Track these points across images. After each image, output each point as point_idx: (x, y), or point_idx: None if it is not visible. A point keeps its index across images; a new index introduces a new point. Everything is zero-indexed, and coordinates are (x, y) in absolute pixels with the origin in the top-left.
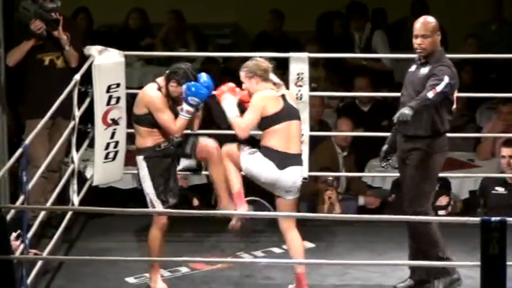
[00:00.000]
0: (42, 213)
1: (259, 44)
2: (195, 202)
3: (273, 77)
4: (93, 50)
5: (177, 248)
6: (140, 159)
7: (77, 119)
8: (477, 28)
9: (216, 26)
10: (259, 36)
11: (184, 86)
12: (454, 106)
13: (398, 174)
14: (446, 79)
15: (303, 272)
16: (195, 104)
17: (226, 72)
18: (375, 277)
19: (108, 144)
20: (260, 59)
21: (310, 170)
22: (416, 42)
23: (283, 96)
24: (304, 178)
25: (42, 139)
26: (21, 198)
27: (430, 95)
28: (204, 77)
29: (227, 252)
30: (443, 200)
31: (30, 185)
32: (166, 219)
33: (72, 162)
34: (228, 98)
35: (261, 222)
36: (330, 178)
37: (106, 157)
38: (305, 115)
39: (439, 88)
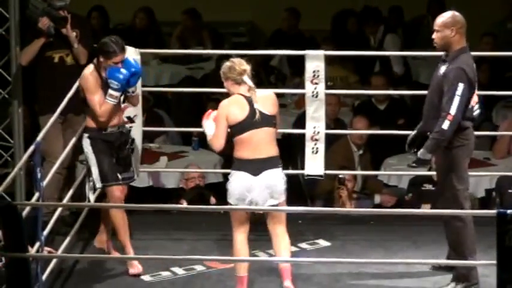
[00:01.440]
0: (58, 211)
1: (275, 42)
2: (212, 200)
3: (247, 79)
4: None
5: (193, 246)
6: (85, 137)
7: None
8: (493, 26)
9: (232, 24)
10: (275, 35)
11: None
12: (476, 100)
13: (415, 173)
14: (460, 86)
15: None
16: (116, 88)
17: None
18: (390, 276)
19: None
20: (237, 60)
21: (326, 168)
22: (432, 36)
23: (251, 101)
24: (319, 176)
25: (57, 134)
26: (36, 195)
27: (446, 125)
28: (131, 60)
29: None
30: None
31: (45, 181)
32: (120, 192)
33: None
34: (205, 123)
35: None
36: (342, 176)
37: None
38: (321, 113)
39: (453, 109)
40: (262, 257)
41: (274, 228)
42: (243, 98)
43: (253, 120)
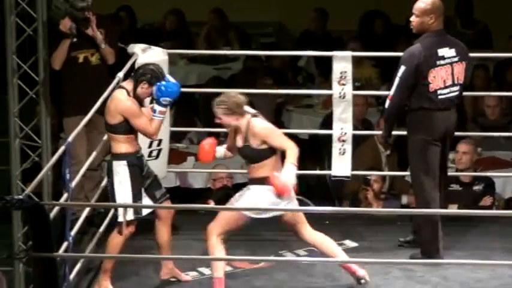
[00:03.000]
0: (85, 212)
1: (302, 43)
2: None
3: (248, 109)
4: (136, 48)
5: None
6: (122, 164)
7: None
8: None
9: (259, 25)
10: (303, 35)
11: (155, 87)
12: (440, 85)
13: None
14: (402, 68)
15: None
16: (167, 104)
17: (269, 71)
18: (418, 276)
19: (151, 143)
20: (234, 93)
21: (353, 169)
22: (410, 19)
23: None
24: (346, 177)
25: (80, 137)
26: (65, 196)
27: (386, 104)
28: (170, 78)
29: (270, 250)
30: (487, 200)
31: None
32: (134, 228)
33: None
34: (285, 178)
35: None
36: (368, 177)
37: (149, 155)
38: (348, 114)
39: (392, 90)
40: (289, 257)
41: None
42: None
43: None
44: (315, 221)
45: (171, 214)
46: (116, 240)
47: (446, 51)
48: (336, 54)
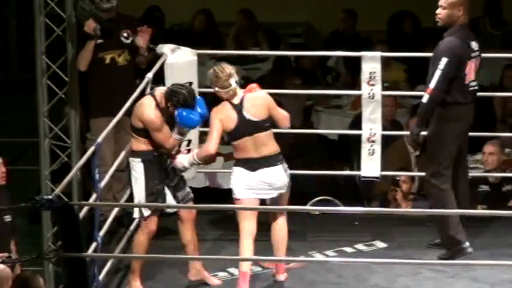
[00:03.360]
0: (114, 212)
1: (332, 43)
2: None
3: (232, 81)
4: (165, 49)
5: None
6: (137, 161)
7: None
8: None
9: (289, 25)
10: (332, 36)
11: (176, 112)
12: (470, 77)
13: (470, 174)
14: (443, 60)
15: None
16: (184, 132)
17: (298, 72)
18: (447, 277)
19: (180, 143)
20: (222, 65)
21: (383, 169)
22: (436, 12)
23: (239, 110)
24: (375, 177)
25: (108, 138)
26: (94, 196)
27: (425, 99)
28: (200, 106)
29: (299, 251)
30: None
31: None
32: (155, 226)
33: None
34: (177, 160)
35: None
36: (397, 178)
37: None
38: (377, 115)
39: (432, 83)
40: (318, 257)
41: (276, 218)
42: (230, 106)
43: (242, 130)
44: (345, 221)
45: (193, 216)
46: (139, 239)
47: (474, 45)
48: (365, 55)
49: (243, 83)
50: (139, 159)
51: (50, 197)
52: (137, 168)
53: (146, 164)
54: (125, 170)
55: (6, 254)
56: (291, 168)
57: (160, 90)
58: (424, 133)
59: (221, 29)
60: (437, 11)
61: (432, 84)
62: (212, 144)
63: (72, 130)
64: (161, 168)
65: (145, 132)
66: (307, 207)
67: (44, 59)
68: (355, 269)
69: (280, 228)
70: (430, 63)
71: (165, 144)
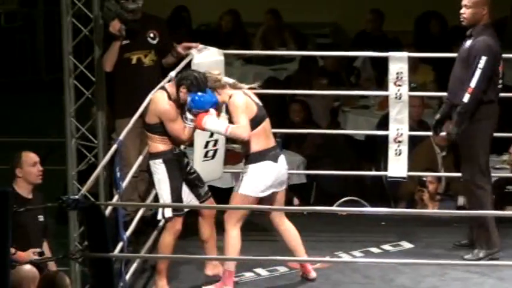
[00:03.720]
0: (140, 212)
1: (359, 44)
2: (295, 201)
3: (227, 79)
4: (192, 49)
5: (276, 247)
6: (158, 162)
7: None
8: None
9: (316, 25)
10: (359, 36)
11: (189, 97)
12: (500, 75)
13: (498, 175)
14: (483, 59)
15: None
16: (197, 114)
17: (325, 72)
18: (474, 277)
19: (207, 143)
20: (206, 72)
21: (409, 170)
22: (460, 11)
23: (250, 96)
24: (402, 178)
25: (133, 138)
26: (116, 196)
27: (466, 98)
28: (209, 92)
29: (326, 251)
30: None
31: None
32: (181, 226)
33: None
34: (209, 119)
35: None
36: (424, 178)
37: (205, 156)
38: (404, 115)
39: (473, 82)
40: (345, 258)
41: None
42: (242, 92)
43: (261, 113)
44: (371, 222)
45: (214, 212)
46: (164, 240)
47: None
48: (392, 55)
49: (271, 84)
50: (160, 160)
51: (76, 197)
52: (159, 170)
53: (167, 164)
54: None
55: (38, 250)
56: (318, 168)
57: (169, 83)
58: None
59: (248, 30)
60: (462, 11)
61: (473, 83)
62: (247, 129)
63: (99, 130)
64: (181, 166)
65: (161, 128)
66: (334, 208)
67: (71, 59)
68: (381, 269)
69: (290, 228)
70: (458, 61)
71: (181, 135)
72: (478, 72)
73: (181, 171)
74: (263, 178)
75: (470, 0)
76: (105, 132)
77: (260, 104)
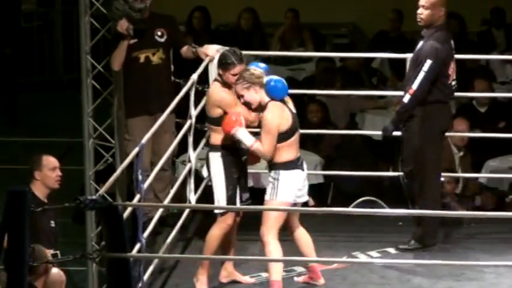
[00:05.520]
0: (159, 212)
1: (377, 44)
2: (311, 202)
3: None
4: (211, 49)
5: (293, 247)
6: (216, 156)
7: (194, 118)
8: None
9: (334, 26)
10: (377, 36)
11: (264, 87)
12: (452, 76)
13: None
14: (428, 62)
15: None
16: None
17: (343, 72)
18: (491, 278)
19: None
20: (251, 68)
21: None
22: (417, 12)
23: (287, 106)
24: None
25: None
26: (137, 197)
27: (406, 98)
28: (261, 64)
29: (343, 252)
30: None
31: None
32: (232, 221)
33: (189, 161)
34: (240, 130)
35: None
36: (442, 179)
37: None
38: None
39: (415, 84)
40: (362, 258)
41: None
42: (281, 105)
43: (295, 125)
44: (388, 222)
45: (240, 218)
46: (213, 233)
47: (452, 44)
48: (410, 57)
49: (289, 84)
50: (218, 154)
51: (94, 197)
52: (216, 163)
53: (225, 159)
54: (166, 169)
55: (52, 251)
56: (335, 168)
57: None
58: (473, 135)
59: (267, 30)
60: (419, 11)
61: (415, 85)
62: (270, 151)
63: (117, 130)
64: (240, 160)
65: (223, 118)
66: (351, 209)
67: (89, 59)
68: (398, 269)
69: (304, 234)
70: (409, 62)
71: (247, 116)
72: (421, 75)
73: (237, 167)
74: (296, 185)
75: (428, 1)
76: (122, 132)
77: (295, 112)
